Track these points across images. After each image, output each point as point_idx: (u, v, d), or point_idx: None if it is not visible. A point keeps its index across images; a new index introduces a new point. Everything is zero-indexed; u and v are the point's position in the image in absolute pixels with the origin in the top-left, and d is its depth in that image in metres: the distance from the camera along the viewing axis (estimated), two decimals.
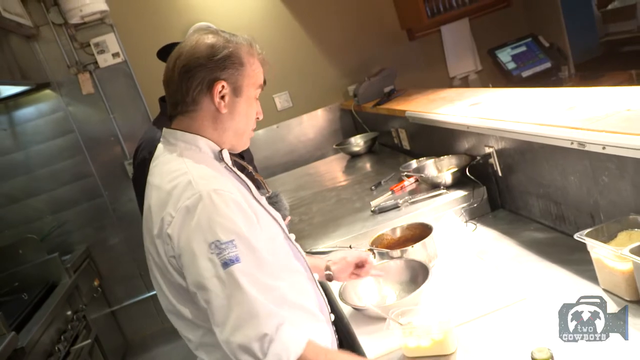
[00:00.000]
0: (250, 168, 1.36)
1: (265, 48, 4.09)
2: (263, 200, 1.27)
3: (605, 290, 1.28)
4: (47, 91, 3.39)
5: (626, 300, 1.21)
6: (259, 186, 1.33)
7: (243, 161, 1.31)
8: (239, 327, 1.01)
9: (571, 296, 1.29)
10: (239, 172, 1.24)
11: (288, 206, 1.94)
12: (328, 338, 1.28)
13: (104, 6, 3.23)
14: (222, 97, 1.14)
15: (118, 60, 3.40)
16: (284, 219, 1.88)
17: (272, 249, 1.14)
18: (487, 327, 1.30)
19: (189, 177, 1.07)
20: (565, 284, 1.37)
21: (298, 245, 1.32)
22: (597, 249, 1.25)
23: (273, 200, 1.88)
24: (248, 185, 1.23)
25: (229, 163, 1.22)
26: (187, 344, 1.19)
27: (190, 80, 1.12)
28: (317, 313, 1.26)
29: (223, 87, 1.14)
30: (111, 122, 3.47)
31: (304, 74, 3.87)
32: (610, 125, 1.26)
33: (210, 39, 1.14)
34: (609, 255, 1.22)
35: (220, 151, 1.19)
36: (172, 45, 2.02)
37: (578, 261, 1.40)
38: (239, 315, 1.01)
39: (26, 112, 3.39)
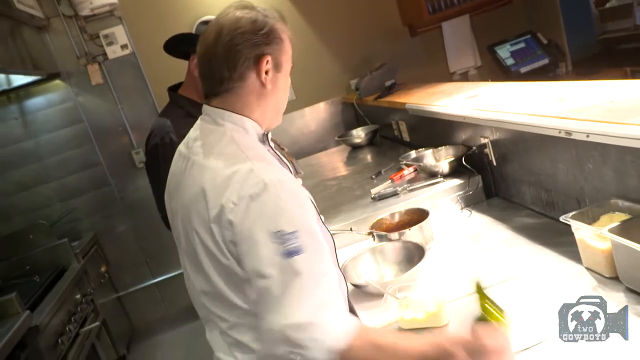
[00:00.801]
0: (286, 150, 1.36)
1: None
2: (299, 180, 1.28)
3: (588, 269, 1.37)
4: (57, 81, 3.48)
5: (605, 277, 1.31)
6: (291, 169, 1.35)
7: (278, 143, 1.30)
8: (291, 316, 1.00)
9: (556, 274, 1.40)
10: (281, 155, 1.25)
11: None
12: None
13: None
14: (267, 72, 1.14)
15: (126, 51, 3.48)
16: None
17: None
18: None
19: (250, 165, 1.06)
20: (552, 264, 1.47)
21: (329, 231, 1.29)
22: (580, 230, 1.34)
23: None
24: (289, 168, 1.25)
25: (272, 145, 1.23)
26: (219, 323, 1.18)
27: (237, 55, 1.11)
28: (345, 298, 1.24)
29: (268, 61, 1.14)
30: (119, 112, 3.56)
31: (308, 67, 3.95)
32: (594, 115, 1.35)
33: (251, 14, 1.14)
34: (591, 236, 1.31)
35: (265, 134, 1.20)
36: (178, 37, 2.11)
37: (564, 243, 1.49)
38: (293, 304, 1.00)
39: (37, 102, 3.49)
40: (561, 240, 1.53)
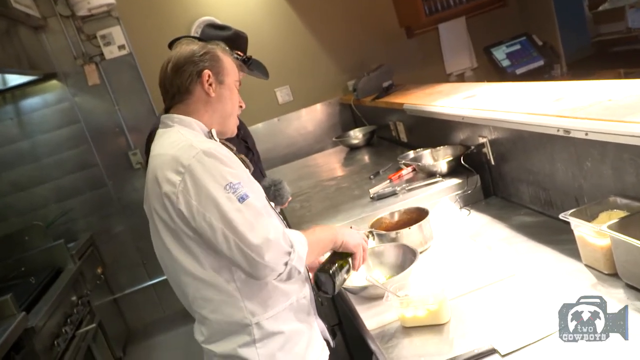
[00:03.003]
0: (235, 149, 1.51)
1: (267, 43, 4.21)
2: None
3: (587, 266, 1.38)
4: (54, 81, 3.46)
5: (604, 274, 1.32)
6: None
7: (231, 145, 1.47)
8: (269, 239, 1.21)
9: (556, 271, 1.41)
10: (227, 148, 1.41)
11: (289, 190, 2.01)
12: (308, 292, 1.44)
13: None
14: (210, 84, 1.37)
15: (124, 52, 3.48)
16: (285, 202, 1.97)
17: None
18: (479, 300, 1.40)
19: (190, 142, 1.27)
20: (551, 261, 1.48)
21: (280, 216, 1.52)
22: (580, 228, 1.36)
23: (277, 187, 1.95)
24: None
25: (218, 140, 1.40)
26: (185, 302, 1.39)
27: (182, 74, 1.36)
28: None
29: (209, 75, 1.37)
30: (116, 113, 3.55)
31: (305, 68, 3.97)
32: (592, 113, 1.37)
33: (190, 45, 1.40)
34: (590, 233, 1.32)
35: (210, 131, 1.39)
36: (181, 40, 2.12)
37: (563, 241, 1.51)
38: (264, 231, 1.21)
39: (33, 102, 3.47)
40: (560, 238, 1.54)
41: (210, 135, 1.38)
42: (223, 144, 1.42)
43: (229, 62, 1.43)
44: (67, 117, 3.50)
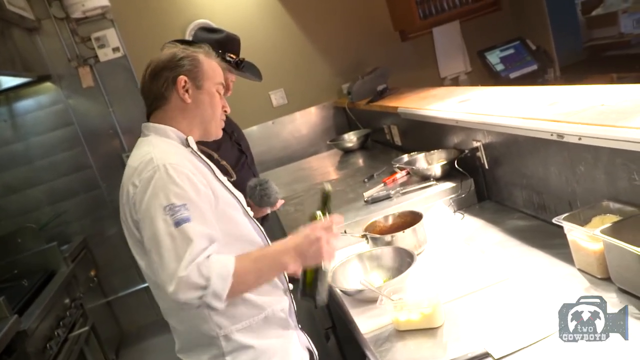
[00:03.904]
0: (216, 155, 1.50)
1: (261, 46, 4.20)
2: (226, 182, 1.43)
3: (580, 270, 1.39)
4: (48, 84, 3.45)
5: (597, 278, 1.32)
6: (226, 172, 1.53)
7: (211, 150, 1.48)
8: (190, 261, 1.15)
9: (549, 275, 1.42)
10: (203, 157, 1.39)
11: (278, 190, 1.98)
12: (286, 305, 1.41)
13: (105, 1, 3.31)
14: (187, 90, 1.34)
15: (118, 54, 3.47)
16: (275, 203, 1.97)
17: (228, 217, 1.33)
18: (473, 303, 1.41)
19: (151, 155, 1.26)
20: (544, 265, 1.49)
21: (257, 223, 1.47)
22: (573, 232, 1.36)
23: (263, 187, 1.93)
24: (211, 167, 1.39)
25: (195, 148, 1.38)
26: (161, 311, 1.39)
27: (158, 80, 1.34)
28: (275, 281, 1.41)
29: (185, 81, 1.34)
30: (110, 116, 3.54)
31: (300, 71, 3.97)
32: (586, 118, 1.38)
33: (172, 50, 1.38)
34: (583, 237, 1.33)
35: (187, 138, 1.36)
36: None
37: (556, 245, 1.52)
38: (189, 257, 1.15)
39: (26, 104, 3.46)
40: (553, 242, 1.55)
41: (186, 143, 1.36)
42: (202, 150, 1.41)
43: (210, 65, 1.39)
44: (61, 119, 3.49)
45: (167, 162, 1.23)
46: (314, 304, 1.34)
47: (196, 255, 1.16)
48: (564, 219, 1.37)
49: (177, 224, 1.17)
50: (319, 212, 1.37)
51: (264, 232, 1.47)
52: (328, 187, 1.36)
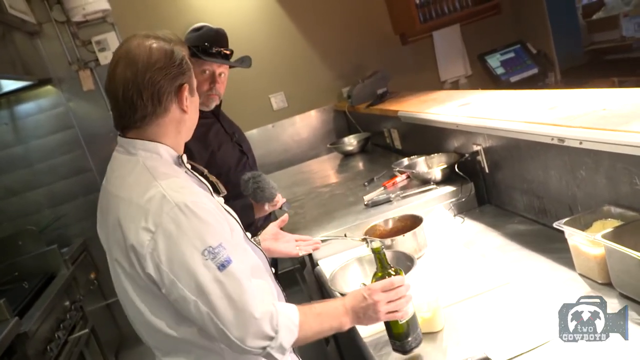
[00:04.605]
0: (206, 171, 1.36)
1: (262, 49, 4.20)
2: (220, 200, 1.31)
3: (581, 275, 1.39)
4: (49, 87, 3.45)
5: (598, 283, 1.32)
6: (215, 189, 1.35)
7: (197, 163, 1.33)
8: (249, 319, 1.07)
9: (550, 280, 1.42)
10: (199, 176, 1.27)
11: (275, 185, 1.95)
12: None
13: (105, 5, 3.31)
14: (186, 99, 1.18)
15: None
16: (273, 198, 1.95)
17: (240, 247, 1.21)
18: (473, 308, 1.41)
19: (162, 190, 1.08)
20: (545, 270, 1.48)
21: (254, 242, 1.37)
22: (574, 236, 1.36)
23: (256, 180, 1.90)
24: (207, 187, 1.27)
25: (189, 167, 1.25)
26: (155, 351, 1.22)
27: (160, 90, 1.12)
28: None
29: (187, 90, 1.17)
30: (110, 119, 3.48)
31: (300, 75, 3.97)
32: (587, 122, 1.38)
33: (159, 45, 1.14)
34: (584, 242, 1.33)
35: (180, 157, 1.22)
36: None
37: (557, 250, 1.52)
38: (246, 309, 1.07)
39: (27, 107, 3.45)
40: (554, 247, 1.55)
41: (180, 162, 1.21)
42: (194, 167, 1.27)
43: (192, 64, 1.23)
44: (61, 122, 3.49)
45: (187, 200, 1.07)
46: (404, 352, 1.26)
47: (258, 300, 1.09)
48: (565, 223, 1.37)
49: (222, 267, 1.05)
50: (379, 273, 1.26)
51: (261, 252, 1.36)
52: (376, 244, 1.25)
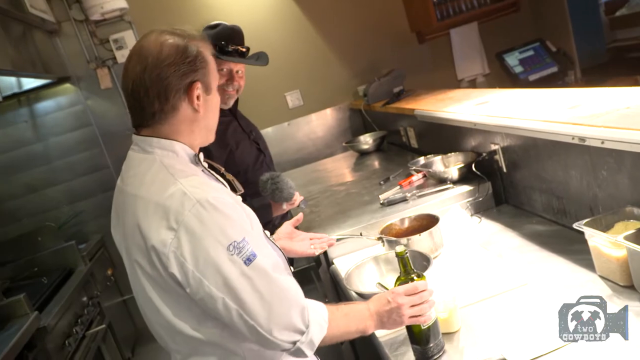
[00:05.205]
0: (223, 169, 1.34)
1: (278, 47, 4.21)
2: (238, 198, 1.27)
3: (602, 277, 1.36)
4: (67, 85, 3.50)
5: (620, 285, 1.29)
6: (232, 187, 1.32)
7: (215, 162, 1.30)
8: (280, 312, 1.06)
9: (570, 282, 1.39)
10: (215, 174, 1.26)
11: (293, 184, 1.95)
12: None
13: (123, 3, 3.34)
14: (198, 98, 1.14)
15: None
16: (291, 198, 1.95)
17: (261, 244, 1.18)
18: (490, 308, 1.39)
19: (182, 188, 1.06)
20: (564, 271, 1.46)
21: (272, 240, 1.36)
22: (594, 238, 1.33)
23: (275, 181, 1.90)
24: (224, 185, 1.26)
25: (205, 165, 1.23)
26: (175, 354, 1.20)
27: (168, 87, 1.09)
28: None
29: (198, 87, 1.13)
30: (127, 117, 3.54)
31: (315, 73, 3.97)
32: (609, 121, 1.35)
33: (173, 40, 1.12)
34: (605, 243, 1.30)
35: (197, 155, 1.20)
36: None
37: (577, 251, 1.49)
38: (276, 302, 1.06)
39: (46, 105, 3.51)
40: (573, 248, 1.52)
41: (196, 160, 1.19)
42: (210, 166, 1.26)
43: (212, 60, 1.18)
44: (79, 120, 3.54)
45: (208, 196, 1.04)
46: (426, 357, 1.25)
47: (290, 293, 1.08)
48: (585, 224, 1.34)
49: (248, 261, 1.04)
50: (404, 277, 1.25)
51: (280, 251, 1.35)
52: (400, 248, 1.23)
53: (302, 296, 1.12)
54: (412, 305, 1.19)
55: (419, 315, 1.20)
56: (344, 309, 1.21)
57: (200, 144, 1.22)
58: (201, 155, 1.22)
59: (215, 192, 1.08)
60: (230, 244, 1.03)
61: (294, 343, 1.08)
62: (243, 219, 1.11)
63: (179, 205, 1.03)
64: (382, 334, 1.39)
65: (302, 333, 1.09)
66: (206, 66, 1.15)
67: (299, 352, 1.10)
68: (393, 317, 1.20)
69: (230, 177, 1.32)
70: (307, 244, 1.65)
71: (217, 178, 1.25)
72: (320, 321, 1.12)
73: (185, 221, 1.02)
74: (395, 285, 1.25)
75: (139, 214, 1.08)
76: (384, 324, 1.22)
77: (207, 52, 1.16)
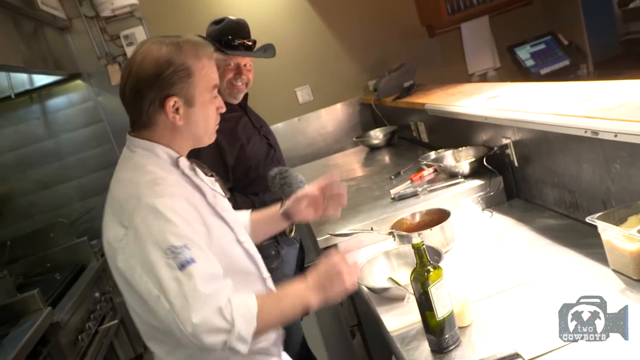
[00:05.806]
0: (211, 173, 1.36)
1: (288, 42, 4.20)
2: (218, 204, 1.30)
3: (615, 271, 1.35)
4: (78, 81, 3.53)
5: (634, 279, 1.28)
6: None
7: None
8: (202, 315, 1.08)
9: (582, 275, 1.38)
10: (194, 179, 1.27)
11: (303, 178, 1.93)
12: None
13: (133, 0, 3.36)
14: (177, 110, 1.18)
15: None
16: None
17: (222, 253, 1.22)
18: (502, 303, 1.38)
19: (138, 190, 1.14)
20: (577, 265, 1.45)
21: (252, 248, 1.38)
22: (607, 231, 1.32)
23: (283, 176, 1.90)
24: (202, 191, 1.27)
25: (185, 170, 1.25)
26: (142, 337, 1.31)
27: (142, 100, 1.16)
28: None
29: (175, 102, 1.17)
30: None
31: (325, 68, 3.96)
32: (622, 114, 1.33)
33: (158, 53, 1.16)
34: (619, 237, 1.29)
35: (178, 158, 1.23)
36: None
37: (589, 245, 1.47)
38: (204, 300, 1.08)
39: (58, 102, 3.53)
40: (586, 242, 1.51)
41: (177, 164, 1.23)
42: (197, 165, 1.29)
43: (202, 70, 1.19)
44: (90, 116, 3.56)
45: (156, 200, 1.12)
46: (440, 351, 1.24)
47: (214, 298, 1.09)
48: (598, 218, 1.33)
49: (182, 266, 1.08)
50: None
51: (255, 258, 1.37)
52: (417, 239, 1.22)
53: (224, 296, 1.11)
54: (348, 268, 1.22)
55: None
56: (278, 293, 1.27)
57: (190, 147, 1.28)
58: (182, 160, 1.24)
59: (168, 197, 1.14)
60: (168, 248, 1.09)
61: (225, 343, 1.10)
62: (191, 226, 1.14)
63: (131, 205, 1.13)
64: (393, 328, 1.39)
65: (227, 331, 1.09)
66: (188, 79, 1.17)
67: (233, 350, 1.11)
68: (335, 284, 1.20)
69: (218, 180, 1.35)
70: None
71: (193, 183, 1.26)
72: (247, 315, 1.12)
73: (134, 222, 1.11)
74: (410, 278, 1.25)
75: (107, 210, 1.20)
76: (326, 293, 1.21)
77: (198, 62, 1.19)
